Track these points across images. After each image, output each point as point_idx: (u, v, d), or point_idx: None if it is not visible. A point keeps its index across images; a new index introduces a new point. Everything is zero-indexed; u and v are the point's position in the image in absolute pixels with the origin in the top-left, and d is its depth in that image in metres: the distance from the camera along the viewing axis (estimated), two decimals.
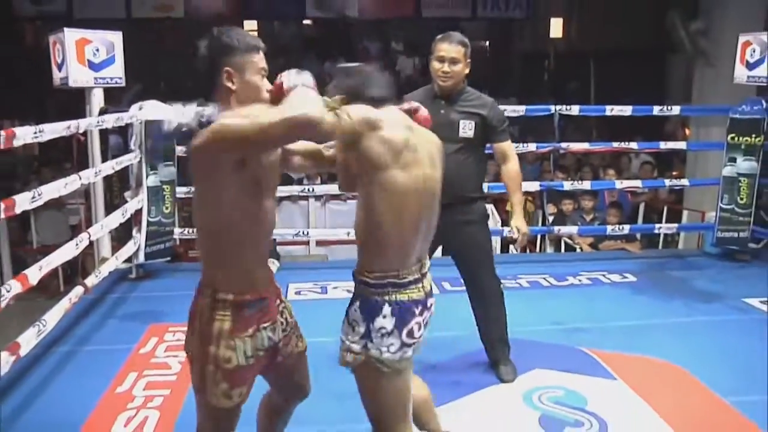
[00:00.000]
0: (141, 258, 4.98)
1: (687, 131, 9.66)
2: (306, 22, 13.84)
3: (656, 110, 5.70)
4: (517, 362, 3.51)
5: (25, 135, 3.18)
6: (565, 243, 6.73)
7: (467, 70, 3.26)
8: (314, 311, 3.29)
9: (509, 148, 3.39)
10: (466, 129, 3.24)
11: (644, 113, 5.67)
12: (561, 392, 3.24)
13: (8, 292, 2.99)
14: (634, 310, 4.46)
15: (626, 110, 5.55)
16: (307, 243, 6.88)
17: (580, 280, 5.01)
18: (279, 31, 14.26)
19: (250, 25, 13.98)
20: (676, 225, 6.48)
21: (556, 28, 14.53)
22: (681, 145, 7.41)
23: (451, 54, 3.20)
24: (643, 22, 12.80)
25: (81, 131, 4.17)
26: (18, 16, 12.67)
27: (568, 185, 6.00)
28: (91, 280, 4.23)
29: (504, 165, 3.39)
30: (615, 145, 5.96)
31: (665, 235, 6.97)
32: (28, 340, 3.19)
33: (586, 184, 6.24)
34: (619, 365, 3.51)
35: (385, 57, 13.41)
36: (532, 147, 6.21)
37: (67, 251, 3.80)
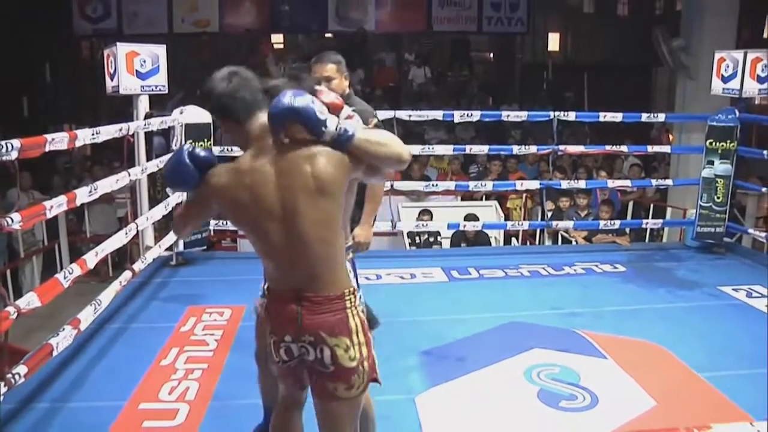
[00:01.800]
0: (180, 247, 5.03)
1: (670, 137, 9.63)
2: (327, 35, 13.85)
3: (644, 117, 5.68)
4: (519, 343, 3.54)
5: (85, 136, 3.24)
6: (562, 236, 6.73)
7: (346, 82, 3.15)
8: None
9: None
10: None
11: (633, 120, 5.65)
12: (557, 369, 3.26)
13: (70, 274, 3.06)
14: (623, 296, 4.47)
15: (618, 117, 5.54)
16: None
17: (575, 270, 5.02)
18: (302, 42, 14.27)
19: (277, 37, 14.03)
20: (661, 221, 6.48)
21: (554, 42, 14.51)
22: (666, 148, 7.42)
23: (325, 74, 3.08)
24: (631, 38, 12.77)
25: (130, 133, 4.22)
26: (76, 35, 12.84)
27: (565, 184, 6.00)
28: (138, 266, 4.30)
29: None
30: (608, 148, 5.94)
31: (651, 229, 6.99)
32: (86, 317, 3.25)
33: (582, 183, 6.24)
34: (609, 345, 3.53)
35: (398, 67, 13.39)
36: (533, 149, 6.23)
37: (118, 239, 3.87)
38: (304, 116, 1.78)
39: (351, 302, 1.84)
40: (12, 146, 2.54)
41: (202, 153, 1.94)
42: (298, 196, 1.78)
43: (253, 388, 2.57)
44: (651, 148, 6.56)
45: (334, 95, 2.06)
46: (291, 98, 1.79)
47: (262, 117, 1.85)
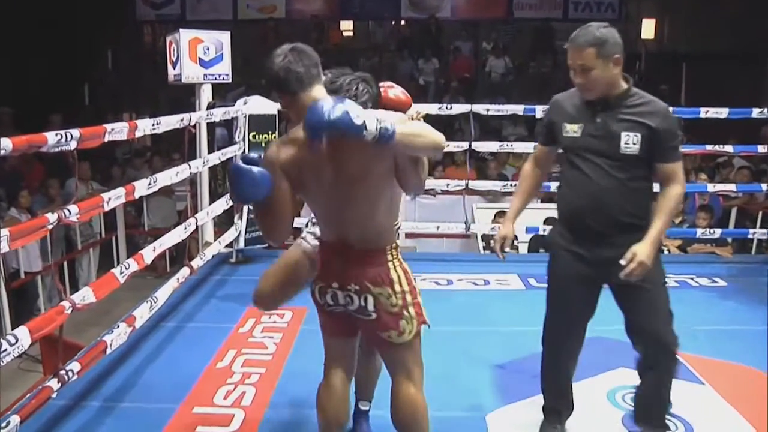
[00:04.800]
0: (241, 244, 5.12)
1: None
2: (400, 22, 13.88)
3: (755, 113, 5.40)
4: (602, 360, 3.43)
5: (145, 126, 3.33)
6: None
7: (616, 69, 2.42)
8: None
9: (678, 170, 2.47)
10: (630, 143, 2.41)
11: (741, 116, 5.39)
12: None
13: (127, 269, 3.15)
14: (722, 314, 4.28)
15: (722, 112, 5.30)
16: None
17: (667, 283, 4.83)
18: (373, 30, 14.35)
19: (346, 25, 14.16)
20: None
21: (648, 29, 14.05)
22: None
23: (577, 62, 2.45)
24: (739, 24, 12.22)
25: (192, 124, 4.32)
26: (139, 21, 13.34)
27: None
28: (197, 262, 4.39)
29: (665, 187, 2.49)
30: (709, 147, 5.69)
31: (759, 240, 6.65)
32: (142, 314, 3.34)
33: None
34: (706, 369, 3.39)
35: (475, 57, 13.27)
36: None
37: (177, 235, 3.96)
38: (341, 127, 1.88)
39: (393, 255, 2.16)
40: (71, 136, 2.63)
41: (254, 154, 2.08)
42: (348, 174, 2.03)
43: (312, 395, 2.58)
44: (763, 148, 6.24)
45: (399, 90, 2.03)
46: (326, 110, 1.86)
47: (317, 90, 2.03)
